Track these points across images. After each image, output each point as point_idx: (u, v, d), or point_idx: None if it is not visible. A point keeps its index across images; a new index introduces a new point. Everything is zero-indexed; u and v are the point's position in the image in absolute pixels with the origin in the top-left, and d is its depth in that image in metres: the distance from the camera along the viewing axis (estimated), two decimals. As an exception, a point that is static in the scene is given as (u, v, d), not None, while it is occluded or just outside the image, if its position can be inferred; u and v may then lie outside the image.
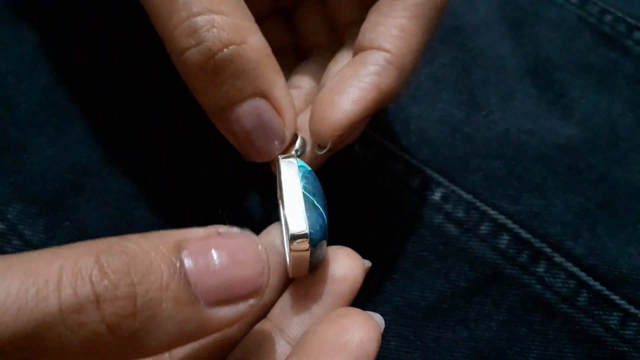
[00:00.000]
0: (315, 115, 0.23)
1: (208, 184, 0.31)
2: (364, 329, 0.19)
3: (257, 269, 0.18)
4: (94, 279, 0.15)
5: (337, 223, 0.26)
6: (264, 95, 0.23)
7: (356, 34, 0.25)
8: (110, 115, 0.32)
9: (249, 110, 0.23)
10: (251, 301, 0.17)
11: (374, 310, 0.29)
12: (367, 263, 0.24)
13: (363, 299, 0.29)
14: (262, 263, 0.18)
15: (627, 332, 0.28)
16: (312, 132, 0.24)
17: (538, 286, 0.29)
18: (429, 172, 0.31)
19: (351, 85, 0.23)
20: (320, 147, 0.24)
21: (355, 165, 0.31)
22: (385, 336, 0.29)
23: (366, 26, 0.24)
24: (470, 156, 0.32)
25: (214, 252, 0.17)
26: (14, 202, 0.30)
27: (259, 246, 0.18)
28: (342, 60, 0.27)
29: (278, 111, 0.23)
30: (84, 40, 0.34)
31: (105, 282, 0.15)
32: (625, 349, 0.28)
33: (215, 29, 0.21)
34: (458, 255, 0.30)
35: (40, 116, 0.32)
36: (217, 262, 0.17)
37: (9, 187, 0.30)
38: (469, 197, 0.31)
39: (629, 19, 0.36)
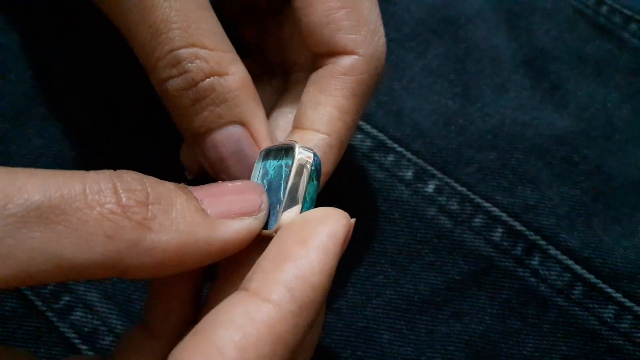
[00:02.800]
0: None
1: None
2: (331, 214, 0.19)
3: (256, 189, 0.20)
4: (113, 177, 0.17)
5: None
6: (242, 123, 0.23)
7: (302, 78, 0.26)
8: (98, 105, 0.32)
9: (226, 136, 0.23)
10: (255, 216, 0.19)
11: (367, 304, 0.29)
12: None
13: (356, 292, 0.29)
14: (259, 187, 0.20)
15: (622, 325, 0.28)
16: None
17: (532, 279, 0.29)
18: (423, 163, 0.31)
19: None
20: None
21: (347, 157, 0.31)
22: (378, 329, 0.28)
23: (306, 102, 0.24)
24: (464, 148, 0.31)
25: (216, 185, 0.20)
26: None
27: (255, 182, 0.21)
28: (289, 106, 0.27)
29: (255, 140, 0.24)
30: (72, 30, 0.33)
31: (123, 178, 0.17)
32: (620, 342, 0.28)
33: (198, 61, 0.22)
34: (452, 248, 0.30)
35: (28, 107, 0.32)
36: (221, 188, 0.20)
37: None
38: (463, 189, 0.30)
39: (625, 11, 0.36)
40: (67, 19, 0.33)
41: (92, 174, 0.17)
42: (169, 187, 0.18)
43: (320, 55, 0.24)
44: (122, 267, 0.17)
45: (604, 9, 0.36)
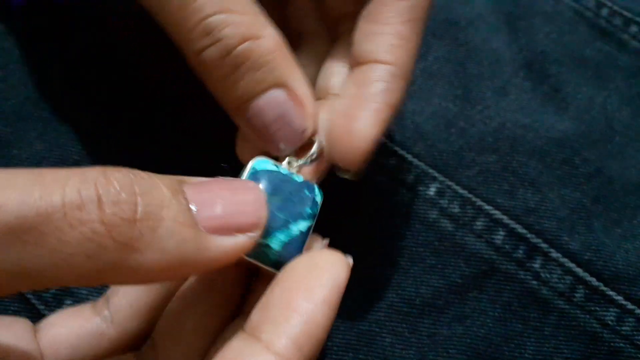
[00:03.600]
0: (337, 145, 0.23)
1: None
2: (334, 262, 0.19)
3: (258, 203, 0.19)
4: (98, 184, 0.16)
5: (331, 218, 0.26)
6: (282, 86, 0.23)
7: (350, 28, 0.25)
8: (100, 109, 0.32)
9: (269, 101, 0.23)
10: (250, 234, 0.18)
11: (368, 307, 0.29)
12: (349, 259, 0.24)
13: (357, 295, 0.29)
14: (261, 200, 0.19)
15: (623, 328, 0.28)
16: (338, 160, 0.24)
17: (534, 282, 0.29)
18: (424, 166, 0.31)
19: (364, 109, 0.23)
20: (345, 171, 0.24)
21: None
22: (380, 332, 0.28)
23: (360, 35, 0.24)
24: (465, 151, 0.31)
25: (215, 185, 0.18)
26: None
27: (259, 189, 0.20)
28: (338, 58, 0.26)
29: (298, 102, 0.23)
30: (74, 33, 0.33)
31: (110, 187, 0.16)
32: (622, 345, 0.28)
33: (230, 27, 0.21)
34: (453, 251, 0.30)
35: (29, 111, 0.32)
36: (218, 195, 0.18)
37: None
38: (464, 192, 0.31)
39: (625, 13, 0.36)
40: (68, 23, 0.33)
41: (75, 179, 0.15)
42: (162, 193, 0.17)
43: None
44: (102, 282, 0.16)
45: (604, 11, 0.36)
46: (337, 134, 0.23)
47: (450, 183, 0.31)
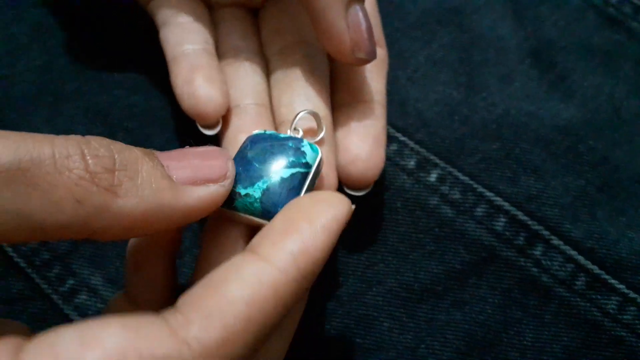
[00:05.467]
0: (351, 170, 0.26)
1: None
2: (337, 199, 0.20)
3: (223, 157, 0.21)
4: (80, 142, 0.18)
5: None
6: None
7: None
8: (104, 93, 0.32)
9: (364, 7, 0.25)
10: (221, 183, 0.20)
11: (367, 292, 0.29)
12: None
13: (356, 280, 0.29)
14: (226, 155, 0.21)
15: (625, 316, 0.28)
16: (351, 188, 0.27)
17: (534, 269, 0.29)
18: (425, 153, 0.31)
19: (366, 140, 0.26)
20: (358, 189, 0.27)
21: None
22: (378, 317, 0.28)
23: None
24: (467, 138, 0.31)
25: (182, 151, 0.20)
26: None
27: (223, 149, 0.22)
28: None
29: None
30: (79, 19, 0.34)
31: (90, 146, 0.18)
32: (623, 333, 0.27)
33: None
34: (453, 237, 0.29)
35: (36, 96, 0.32)
36: (185, 156, 0.20)
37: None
38: (466, 178, 0.30)
39: (635, 1, 0.35)
40: (75, 9, 0.34)
41: (61, 139, 0.17)
42: (136, 153, 0.19)
43: None
44: (90, 230, 0.17)
45: (614, -1, 0.35)
46: (350, 166, 0.26)
47: (451, 169, 0.30)
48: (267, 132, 0.24)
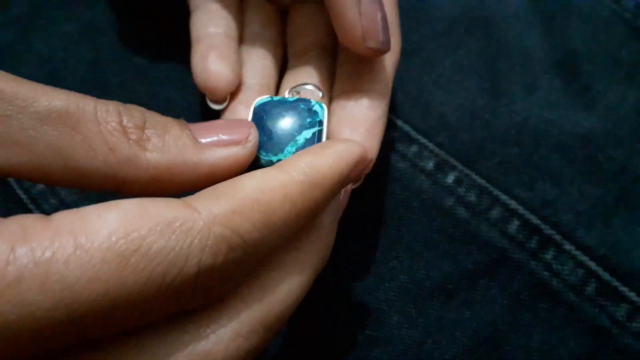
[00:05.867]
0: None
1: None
2: (349, 141, 0.22)
3: (246, 125, 0.22)
4: (119, 105, 0.20)
5: (350, 200, 0.27)
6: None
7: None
8: (145, 87, 0.34)
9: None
10: (245, 144, 0.22)
11: (379, 286, 0.30)
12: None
13: (370, 274, 0.30)
14: (249, 123, 0.23)
15: (634, 324, 0.28)
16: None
17: (545, 273, 0.29)
18: (444, 155, 0.32)
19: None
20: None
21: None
22: (389, 311, 0.29)
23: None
24: (487, 142, 0.32)
25: (211, 121, 0.22)
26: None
27: (246, 119, 0.24)
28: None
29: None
30: (126, 16, 0.36)
31: (127, 107, 0.20)
32: (631, 342, 0.28)
33: None
34: (467, 238, 0.30)
35: (82, 90, 0.34)
36: (213, 123, 0.22)
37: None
38: (483, 181, 0.31)
39: (667, 14, 0.35)
40: (123, 7, 0.36)
41: (103, 100, 0.20)
42: (165, 118, 0.21)
43: None
44: (119, 179, 0.19)
45: (645, 12, 0.35)
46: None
47: (469, 172, 0.31)
48: (274, 98, 0.25)
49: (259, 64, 0.29)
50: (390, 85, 0.28)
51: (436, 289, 0.30)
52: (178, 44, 0.35)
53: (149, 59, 0.35)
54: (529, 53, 0.35)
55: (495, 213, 0.30)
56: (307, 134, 0.24)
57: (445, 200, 0.31)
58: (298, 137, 0.24)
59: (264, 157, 0.23)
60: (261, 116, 0.24)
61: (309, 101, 0.25)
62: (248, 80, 0.29)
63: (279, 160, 0.23)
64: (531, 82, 0.34)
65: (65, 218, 0.16)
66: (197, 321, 0.18)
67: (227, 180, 0.19)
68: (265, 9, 0.31)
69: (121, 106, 0.20)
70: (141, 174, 0.20)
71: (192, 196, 0.18)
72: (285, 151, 0.23)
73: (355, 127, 0.26)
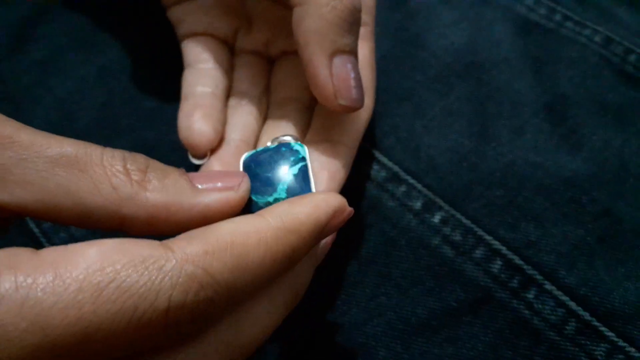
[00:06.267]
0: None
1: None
2: (329, 194, 0.23)
3: (239, 173, 0.24)
4: (124, 152, 0.22)
5: (339, 238, 0.29)
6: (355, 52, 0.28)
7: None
8: (153, 129, 0.36)
9: (354, 59, 0.27)
10: (235, 190, 0.23)
11: (368, 322, 0.31)
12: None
13: (359, 310, 0.31)
14: (241, 173, 0.24)
15: (612, 364, 0.29)
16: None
17: (527, 311, 0.30)
18: (432, 196, 0.33)
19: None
20: None
21: (362, 186, 0.34)
22: (375, 346, 0.31)
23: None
24: (473, 184, 0.33)
25: (207, 171, 0.25)
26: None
27: (238, 170, 0.26)
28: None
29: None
30: (138, 61, 0.39)
31: (131, 153, 0.22)
32: (609, 380, 0.28)
33: None
34: (452, 276, 0.31)
35: (94, 129, 0.37)
36: (209, 173, 0.24)
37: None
38: (468, 222, 0.32)
39: (655, 60, 0.36)
40: (135, 51, 0.38)
41: (109, 148, 0.22)
42: (166, 166, 0.23)
43: None
44: (120, 215, 0.21)
45: (633, 57, 0.37)
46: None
47: (454, 213, 0.33)
48: (258, 149, 0.27)
49: (242, 119, 0.31)
50: (359, 138, 0.30)
51: (421, 325, 0.31)
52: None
53: (157, 103, 0.37)
54: (519, 97, 0.36)
55: (479, 253, 0.32)
56: (294, 169, 0.26)
57: (432, 239, 0.32)
58: (286, 175, 0.26)
59: (261, 200, 0.25)
60: (250, 166, 0.27)
61: (288, 143, 0.27)
62: (230, 134, 0.31)
63: (275, 200, 0.25)
64: (519, 125, 0.35)
65: (51, 252, 0.18)
66: (168, 355, 0.19)
67: (207, 225, 0.21)
68: (254, 63, 0.33)
69: (126, 153, 0.22)
70: (140, 211, 0.21)
71: (171, 238, 0.20)
72: (278, 190, 0.25)
73: (319, 172, 0.28)
